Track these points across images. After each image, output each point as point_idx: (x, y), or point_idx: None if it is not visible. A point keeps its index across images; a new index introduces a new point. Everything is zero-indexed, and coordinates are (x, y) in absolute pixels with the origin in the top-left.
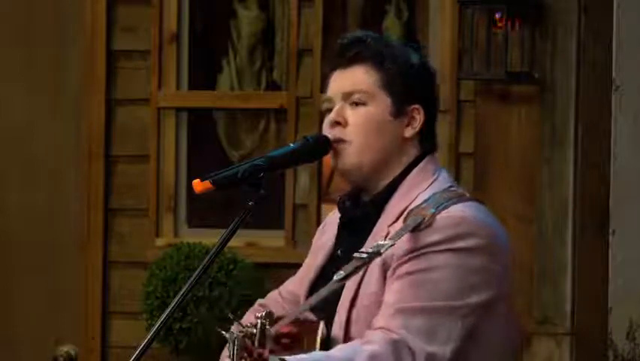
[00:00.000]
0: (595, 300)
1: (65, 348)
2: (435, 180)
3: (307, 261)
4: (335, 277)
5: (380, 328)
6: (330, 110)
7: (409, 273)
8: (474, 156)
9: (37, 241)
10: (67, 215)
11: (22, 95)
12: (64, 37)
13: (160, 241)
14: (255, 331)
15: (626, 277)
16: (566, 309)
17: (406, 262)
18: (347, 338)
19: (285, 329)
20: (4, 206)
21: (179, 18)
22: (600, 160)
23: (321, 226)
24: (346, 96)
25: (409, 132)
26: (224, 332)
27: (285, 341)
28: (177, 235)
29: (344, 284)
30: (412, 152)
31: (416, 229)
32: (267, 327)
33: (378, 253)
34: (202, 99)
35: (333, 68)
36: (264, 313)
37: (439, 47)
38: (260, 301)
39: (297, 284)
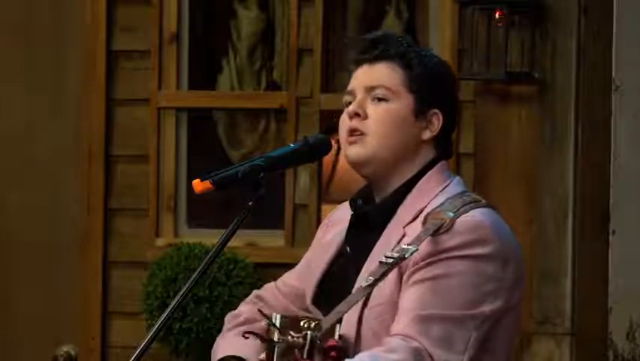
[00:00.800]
0: (595, 300)
1: (65, 348)
2: (448, 184)
3: (307, 255)
4: (364, 283)
5: (399, 335)
6: (350, 103)
7: (427, 279)
8: (474, 156)
9: (37, 241)
10: (67, 215)
11: (22, 95)
12: (64, 37)
13: (160, 241)
14: (302, 341)
15: (626, 277)
16: (566, 309)
17: (424, 266)
18: (358, 336)
19: (332, 343)
20: (4, 206)
21: (179, 18)
22: (600, 160)
23: (324, 223)
24: (369, 90)
25: (426, 135)
26: (263, 337)
27: (333, 354)
28: (177, 235)
29: (353, 285)
30: (427, 155)
31: (436, 233)
32: (318, 340)
33: (403, 258)
34: (202, 99)
35: (358, 65)
36: (313, 325)
37: (439, 47)
38: (256, 292)
39: (297, 279)
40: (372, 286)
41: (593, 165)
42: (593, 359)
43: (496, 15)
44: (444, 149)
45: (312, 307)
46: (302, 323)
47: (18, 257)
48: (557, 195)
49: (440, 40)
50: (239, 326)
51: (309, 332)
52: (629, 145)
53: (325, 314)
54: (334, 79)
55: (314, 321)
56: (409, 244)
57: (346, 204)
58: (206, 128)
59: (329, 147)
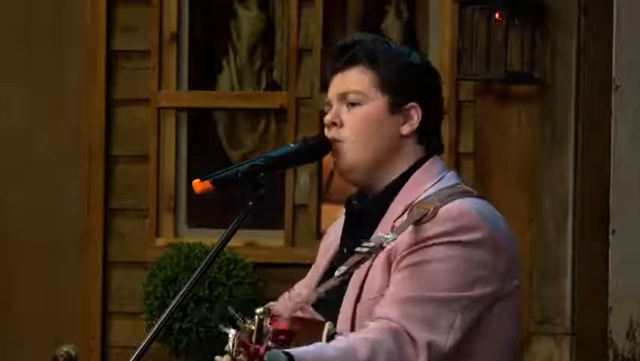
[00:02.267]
0: (595, 300)
1: (65, 348)
2: (441, 178)
3: (316, 263)
4: (336, 273)
5: (379, 318)
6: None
7: (409, 265)
8: (474, 156)
9: (37, 241)
10: (67, 215)
11: (22, 95)
12: (64, 37)
13: (160, 241)
14: (253, 327)
15: (626, 276)
16: (566, 309)
17: (406, 255)
18: (353, 328)
19: (283, 326)
20: (4, 206)
21: (179, 18)
22: (600, 160)
23: (328, 232)
24: (342, 97)
25: (405, 130)
26: (224, 328)
27: (282, 337)
28: (177, 235)
29: (347, 281)
30: (413, 151)
31: (419, 222)
32: (265, 324)
33: (380, 247)
34: (202, 99)
35: (333, 73)
36: (261, 310)
37: (439, 47)
38: (271, 303)
39: (305, 286)
40: (343, 275)
41: (593, 165)
42: (593, 359)
43: (496, 16)
44: (433, 144)
45: (312, 310)
46: (257, 310)
47: (18, 257)
48: (557, 195)
49: (440, 40)
50: None
51: (256, 317)
52: (629, 145)
53: (324, 317)
54: None
55: (266, 307)
56: (386, 233)
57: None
58: (206, 128)
59: (329, 147)
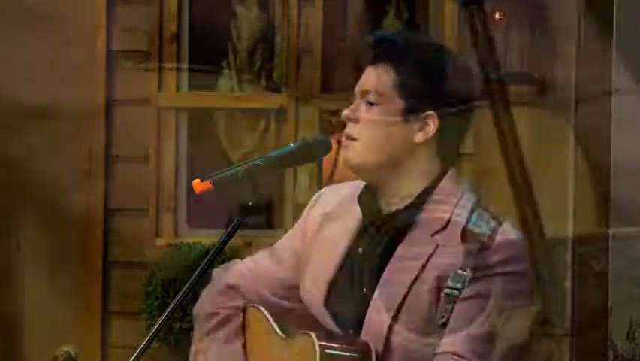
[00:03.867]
0: (595, 300)
1: (65, 348)
2: (464, 193)
3: (292, 244)
4: (440, 321)
5: (451, 353)
6: None
7: (471, 296)
8: (474, 156)
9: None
10: (68, 215)
11: None
12: (65, 37)
13: (160, 241)
14: None
15: (626, 277)
16: (566, 310)
17: (467, 283)
18: (387, 346)
19: None
20: None
21: (179, 18)
22: (600, 160)
23: (316, 213)
24: (363, 94)
25: (419, 138)
26: None
27: None
28: (177, 235)
29: (370, 296)
30: (430, 162)
31: (479, 252)
32: None
33: (464, 287)
34: (202, 99)
35: (365, 63)
36: None
37: None
38: (227, 281)
39: (277, 264)
40: (448, 321)
41: (593, 165)
42: (593, 359)
43: (496, 16)
44: (449, 153)
45: (321, 309)
46: None
47: (18, 257)
48: (557, 195)
49: (440, 40)
50: (217, 329)
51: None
52: (629, 145)
53: (337, 317)
54: (334, 79)
55: None
56: (462, 269)
57: (341, 195)
58: (206, 128)
59: (329, 147)
